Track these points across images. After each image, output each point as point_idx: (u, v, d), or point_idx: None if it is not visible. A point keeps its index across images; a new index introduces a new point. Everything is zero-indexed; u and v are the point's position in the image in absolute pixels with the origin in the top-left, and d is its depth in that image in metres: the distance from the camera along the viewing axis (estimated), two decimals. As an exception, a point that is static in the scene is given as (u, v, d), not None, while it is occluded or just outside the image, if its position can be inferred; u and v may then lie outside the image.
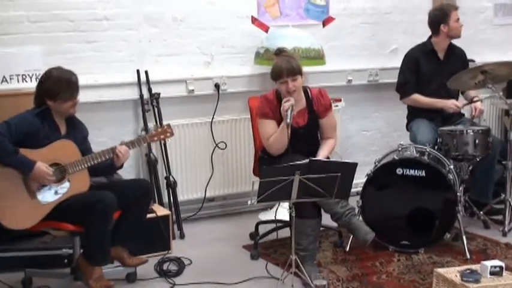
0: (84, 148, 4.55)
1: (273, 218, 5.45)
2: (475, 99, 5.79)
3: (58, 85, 4.36)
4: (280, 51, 5.02)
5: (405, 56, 6.04)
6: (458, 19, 5.88)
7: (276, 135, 4.81)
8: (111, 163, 4.52)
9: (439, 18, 5.88)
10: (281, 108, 4.75)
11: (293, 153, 4.77)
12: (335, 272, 4.85)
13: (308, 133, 4.96)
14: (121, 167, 4.62)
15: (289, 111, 4.67)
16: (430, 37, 5.99)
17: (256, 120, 5.12)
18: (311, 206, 4.60)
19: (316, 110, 4.97)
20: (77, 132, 4.57)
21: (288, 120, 4.66)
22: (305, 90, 5.00)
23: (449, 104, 5.76)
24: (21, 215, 4.25)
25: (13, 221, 4.25)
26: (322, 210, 4.75)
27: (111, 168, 4.60)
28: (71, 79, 4.42)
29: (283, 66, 4.79)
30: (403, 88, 5.96)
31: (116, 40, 5.70)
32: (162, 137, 4.69)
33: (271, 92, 4.98)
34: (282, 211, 5.56)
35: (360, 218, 5.11)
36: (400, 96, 6.02)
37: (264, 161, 4.98)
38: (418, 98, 5.88)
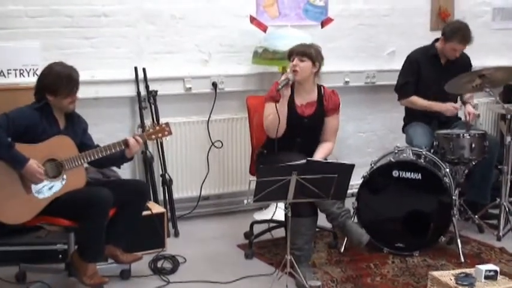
0: (85, 141, 4.55)
1: (268, 218, 5.46)
2: (467, 106, 5.81)
3: (58, 81, 4.35)
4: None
5: (407, 57, 6.03)
6: (456, 50, 5.84)
7: (273, 114, 4.82)
8: (122, 155, 4.51)
9: (444, 32, 5.86)
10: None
11: (290, 150, 4.78)
12: (329, 273, 4.85)
13: (311, 125, 4.98)
14: (131, 159, 4.62)
15: (283, 82, 4.73)
16: (436, 40, 5.99)
17: (254, 119, 5.17)
18: (307, 205, 4.60)
19: (325, 106, 5.02)
20: (76, 127, 4.56)
21: (279, 87, 4.72)
22: (319, 87, 5.05)
23: (447, 106, 5.76)
24: (16, 209, 4.23)
25: (8, 216, 4.23)
26: (318, 210, 4.75)
27: (122, 159, 4.59)
28: (71, 75, 4.40)
29: (297, 46, 4.97)
30: (403, 89, 5.96)
31: (114, 37, 5.69)
32: (159, 135, 4.63)
33: None
34: (277, 211, 5.58)
35: (355, 219, 5.12)
36: (398, 97, 6.02)
37: (262, 157, 5.00)
38: (416, 100, 5.88)
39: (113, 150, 4.45)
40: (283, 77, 4.80)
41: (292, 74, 4.82)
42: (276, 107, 4.75)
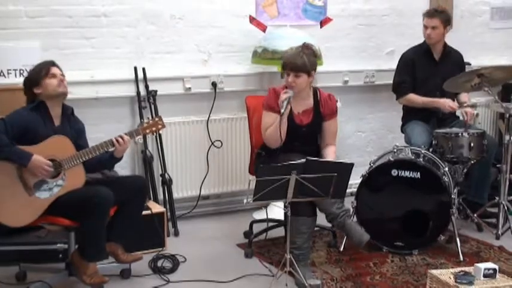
0: (81, 143, 4.56)
1: (268, 217, 5.47)
2: (464, 105, 5.83)
3: (34, 71, 4.50)
4: (304, 44, 4.98)
5: (401, 56, 6.09)
6: (426, 27, 5.91)
7: (272, 127, 4.80)
8: (111, 155, 4.53)
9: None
10: (279, 100, 4.77)
11: (289, 152, 4.77)
12: (329, 272, 4.86)
13: (309, 133, 4.97)
14: (121, 159, 4.62)
15: (285, 103, 4.68)
16: (427, 37, 6.03)
17: (253, 119, 5.17)
18: (307, 204, 4.60)
19: (322, 111, 4.98)
20: (71, 125, 4.58)
21: (282, 110, 4.67)
22: (315, 91, 5.01)
23: (444, 103, 5.76)
24: (19, 211, 4.24)
25: (11, 218, 4.25)
26: (318, 210, 4.76)
27: (111, 160, 4.59)
28: (42, 62, 4.54)
29: (290, 59, 4.82)
30: (399, 88, 5.99)
31: (114, 37, 5.70)
32: (153, 129, 4.65)
33: (282, 85, 4.96)
34: (276, 210, 5.59)
35: (354, 218, 5.13)
36: (396, 96, 6.04)
37: (261, 157, 5.00)
38: (414, 98, 5.90)
39: (110, 147, 4.47)
40: (284, 97, 4.69)
41: (291, 90, 4.77)
42: (280, 128, 4.69)
